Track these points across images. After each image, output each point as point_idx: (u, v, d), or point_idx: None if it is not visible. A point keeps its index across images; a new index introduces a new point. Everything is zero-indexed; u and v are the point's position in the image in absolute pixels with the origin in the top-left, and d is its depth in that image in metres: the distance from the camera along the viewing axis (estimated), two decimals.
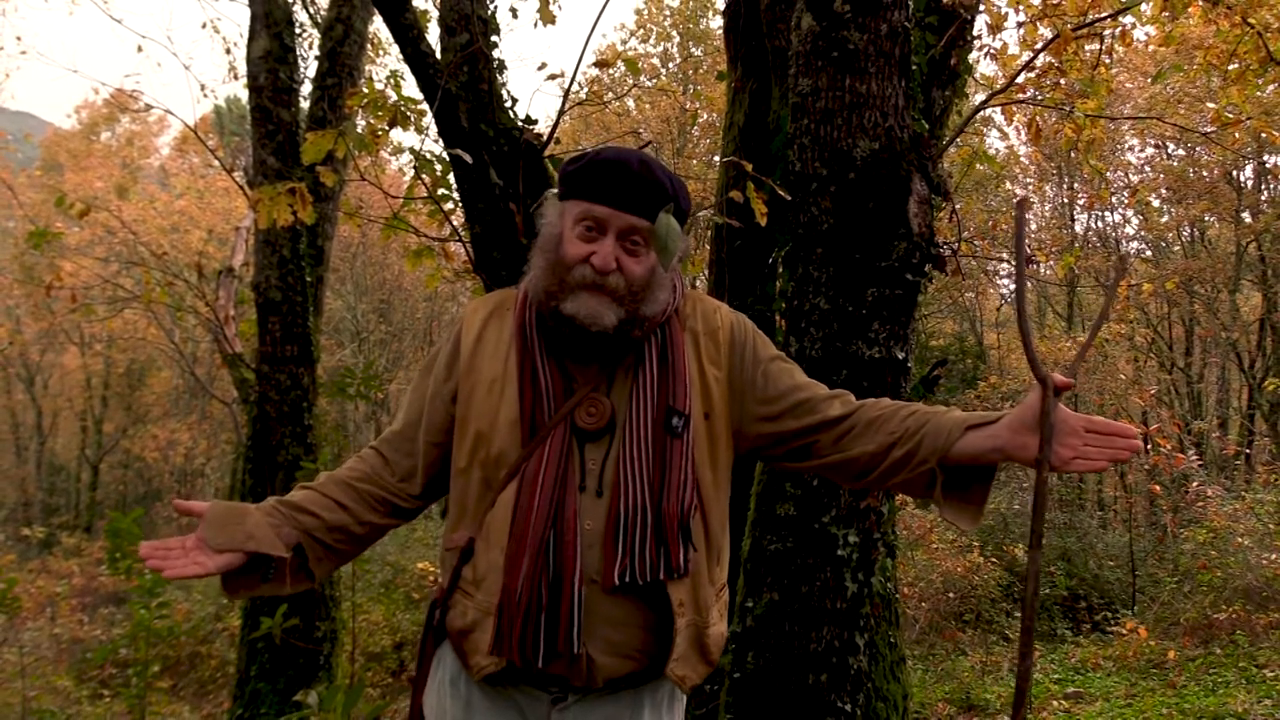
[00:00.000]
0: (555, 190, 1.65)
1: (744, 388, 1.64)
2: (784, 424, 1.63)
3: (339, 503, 1.62)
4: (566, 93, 3.68)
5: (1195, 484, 9.52)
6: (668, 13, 18.37)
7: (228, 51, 11.29)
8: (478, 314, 1.68)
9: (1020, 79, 5.21)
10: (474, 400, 1.60)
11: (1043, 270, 16.72)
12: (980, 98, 5.53)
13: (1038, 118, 5.68)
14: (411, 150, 3.63)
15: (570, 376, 1.58)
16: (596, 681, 1.54)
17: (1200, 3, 5.50)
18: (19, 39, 38.69)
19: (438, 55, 3.55)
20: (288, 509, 1.60)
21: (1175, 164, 15.80)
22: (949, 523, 1.64)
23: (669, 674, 1.54)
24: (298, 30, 6.67)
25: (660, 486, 1.52)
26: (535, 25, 4.41)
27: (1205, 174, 15.42)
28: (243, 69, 6.77)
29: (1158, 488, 10.48)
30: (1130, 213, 17.44)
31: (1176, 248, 17.58)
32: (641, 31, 18.48)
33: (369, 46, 7.83)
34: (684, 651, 1.54)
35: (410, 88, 3.58)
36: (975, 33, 3.99)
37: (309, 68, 7.23)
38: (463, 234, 3.73)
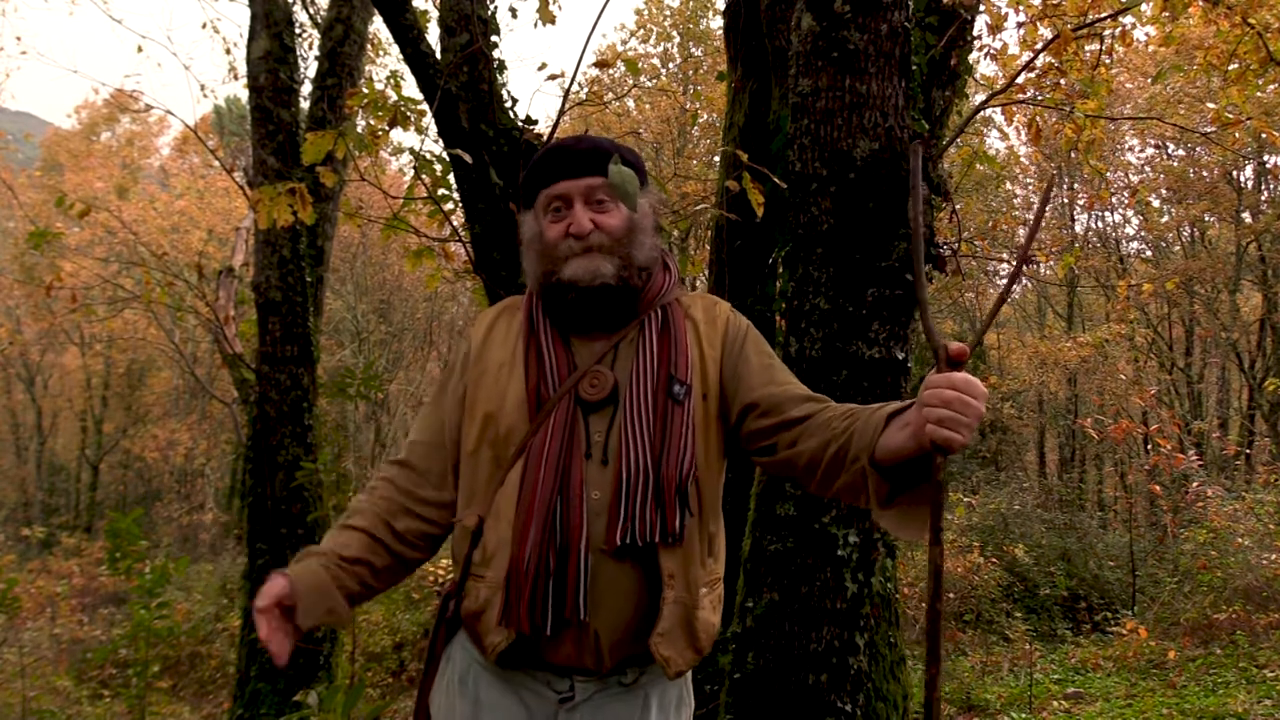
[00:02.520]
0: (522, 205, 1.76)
1: (730, 374, 1.67)
2: (752, 423, 1.63)
3: (388, 548, 1.65)
4: (566, 93, 3.68)
5: (1195, 484, 9.51)
6: (668, 13, 18.36)
7: (228, 52, 11.28)
8: (488, 314, 1.77)
9: (1020, 79, 5.21)
10: (482, 385, 1.66)
11: (1043, 270, 16.73)
12: (980, 98, 5.53)
13: (1038, 118, 5.68)
14: (411, 150, 3.63)
15: (574, 352, 1.64)
16: (606, 660, 1.55)
17: (1200, 3, 5.50)
18: (19, 39, 38.72)
19: (438, 55, 3.55)
20: (348, 564, 1.61)
21: (1175, 164, 15.80)
22: (890, 532, 1.53)
23: (653, 650, 1.53)
24: (298, 31, 6.67)
25: (661, 450, 1.56)
26: (535, 25, 4.41)
27: (1205, 174, 15.42)
28: (243, 69, 6.77)
29: (1158, 488, 10.48)
30: (1130, 213, 17.45)
31: (1176, 248, 17.58)
32: (641, 32, 18.47)
33: (369, 47, 7.83)
34: (670, 628, 1.54)
35: (410, 88, 3.58)
36: (975, 33, 3.99)
37: (309, 68, 7.23)
38: (463, 234, 3.73)
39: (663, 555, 1.55)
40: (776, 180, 3.11)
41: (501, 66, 3.59)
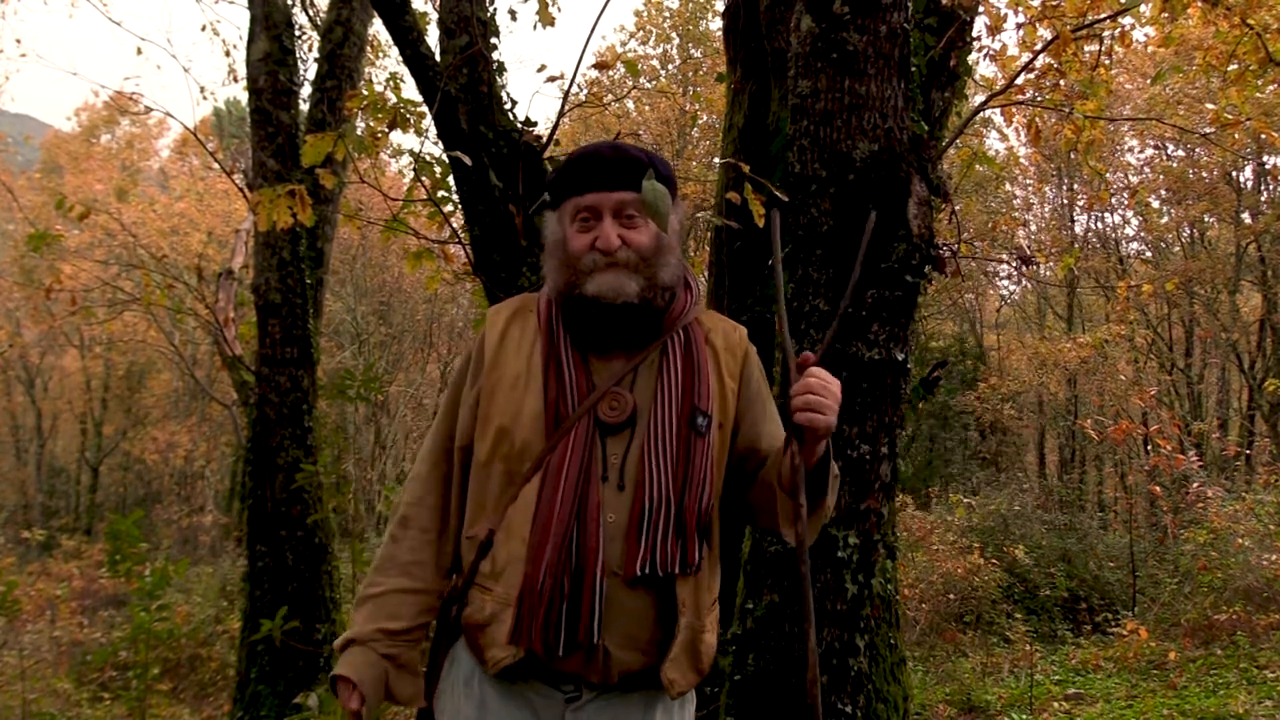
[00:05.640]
0: (548, 202, 1.73)
1: (744, 410, 1.71)
2: (746, 465, 1.70)
3: (422, 590, 1.67)
4: (566, 94, 3.69)
5: (1195, 485, 9.51)
6: (667, 14, 18.37)
7: (227, 54, 11.27)
8: (500, 316, 1.74)
9: (1020, 80, 5.21)
10: (497, 396, 1.64)
11: (1043, 271, 16.73)
12: (980, 99, 5.53)
13: (1037, 119, 5.67)
14: (411, 152, 3.63)
15: (593, 372, 1.63)
16: (612, 676, 1.55)
17: (1200, 4, 5.50)
18: (19, 41, 38.73)
19: (437, 57, 3.55)
20: (401, 638, 1.65)
21: (1175, 165, 15.80)
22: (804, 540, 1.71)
23: (661, 675, 1.55)
24: (297, 33, 6.67)
25: (683, 482, 1.56)
26: (535, 27, 4.42)
27: (1205, 175, 15.42)
28: (242, 71, 6.79)
29: (1158, 489, 10.47)
30: (1130, 213, 17.45)
31: (1176, 249, 17.57)
32: (641, 33, 18.48)
33: (368, 49, 7.83)
34: (678, 654, 1.56)
35: (410, 90, 3.58)
36: (974, 34, 3.98)
37: (308, 70, 7.23)
38: (462, 236, 3.73)
39: (679, 584, 1.56)
40: (776, 192, 3.11)
41: (501, 68, 3.59)
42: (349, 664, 1.61)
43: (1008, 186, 17.17)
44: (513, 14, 8.86)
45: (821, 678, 2.64)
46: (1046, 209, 18.63)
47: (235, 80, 12.90)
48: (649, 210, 1.60)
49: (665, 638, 1.57)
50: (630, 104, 17.57)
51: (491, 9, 3.62)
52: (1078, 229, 18.06)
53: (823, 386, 1.47)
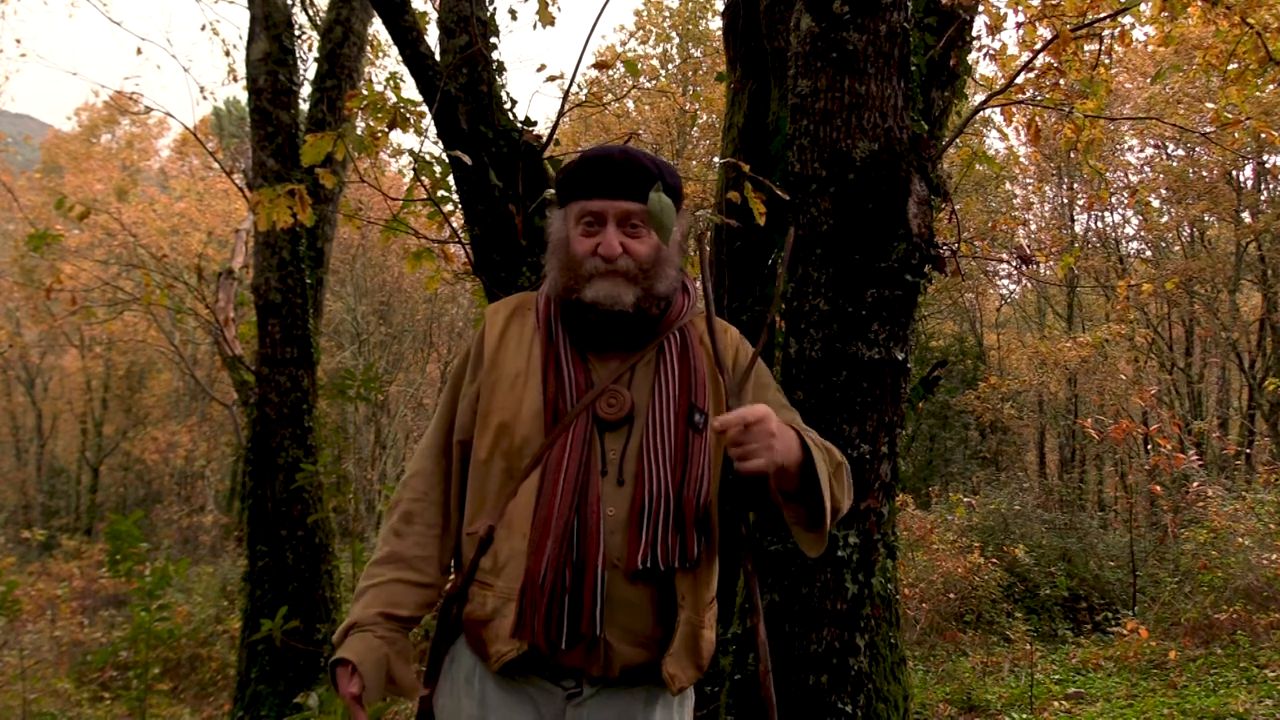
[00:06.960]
0: (553, 197, 1.75)
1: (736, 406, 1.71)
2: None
3: (426, 584, 1.70)
4: (566, 94, 3.69)
5: (1196, 484, 9.51)
6: (667, 14, 18.37)
7: (227, 54, 11.28)
8: (499, 314, 1.76)
9: (1019, 79, 5.21)
10: (497, 394, 1.66)
11: (1043, 270, 16.73)
12: (979, 98, 5.53)
13: (1037, 118, 5.68)
14: (411, 152, 3.63)
15: (591, 370, 1.66)
16: (613, 670, 1.56)
17: (1199, 3, 5.50)
18: (19, 41, 38.91)
19: (437, 57, 3.55)
20: (401, 626, 1.68)
21: (1175, 164, 15.79)
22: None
23: (662, 669, 1.57)
24: (297, 32, 6.67)
25: (681, 476, 1.59)
26: (534, 27, 4.42)
27: (1205, 174, 15.41)
28: (242, 71, 6.79)
29: (1158, 488, 10.47)
30: (1130, 213, 17.44)
31: (1176, 248, 17.57)
32: (641, 33, 18.48)
33: (368, 48, 7.83)
34: (678, 649, 1.58)
35: (410, 89, 3.58)
36: (974, 33, 3.99)
37: (308, 70, 7.22)
38: (462, 236, 3.73)
39: (678, 578, 1.58)
40: (776, 190, 3.11)
41: (501, 68, 3.59)
42: (349, 648, 1.61)
43: (1008, 186, 17.17)
44: (513, 14, 8.86)
45: (821, 677, 2.64)
46: (1046, 208, 18.63)
47: (235, 80, 12.93)
48: (654, 223, 1.62)
49: (665, 632, 1.59)
50: (630, 103, 17.57)
51: (491, 8, 3.62)
52: (1078, 228, 18.06)
53: (741, 434, 1.46)
